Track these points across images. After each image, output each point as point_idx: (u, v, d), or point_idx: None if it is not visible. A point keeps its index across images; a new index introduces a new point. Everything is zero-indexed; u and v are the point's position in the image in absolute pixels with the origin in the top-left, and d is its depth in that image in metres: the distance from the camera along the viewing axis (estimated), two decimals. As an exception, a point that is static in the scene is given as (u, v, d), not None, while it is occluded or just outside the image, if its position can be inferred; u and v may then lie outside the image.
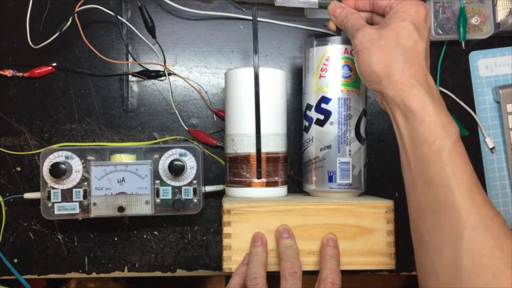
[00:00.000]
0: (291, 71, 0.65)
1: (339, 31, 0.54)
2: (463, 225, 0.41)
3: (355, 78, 0.55)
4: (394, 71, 0.45)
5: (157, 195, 0.57)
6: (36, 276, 0.62)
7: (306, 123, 0.57)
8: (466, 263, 0.40)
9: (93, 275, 0.62)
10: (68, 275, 0.62)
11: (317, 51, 0.56)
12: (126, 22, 0.62)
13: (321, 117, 0.55)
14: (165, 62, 0.63)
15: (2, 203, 0.61)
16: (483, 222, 0.40)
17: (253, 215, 0.51)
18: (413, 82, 0.44)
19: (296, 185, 0.64)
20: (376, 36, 0.46)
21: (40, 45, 0.60)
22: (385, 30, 0.46)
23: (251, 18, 0.61)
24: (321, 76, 0.55)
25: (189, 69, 0.64)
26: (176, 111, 0.63)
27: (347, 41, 0.54)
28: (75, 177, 0.57)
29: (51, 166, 0.55)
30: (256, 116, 0.54)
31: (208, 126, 0.64)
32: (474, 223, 0.40)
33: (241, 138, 0.55)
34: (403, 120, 0.45)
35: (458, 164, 0.42)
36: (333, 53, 0.55)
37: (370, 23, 0.53)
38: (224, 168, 0.59)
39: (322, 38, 0.56)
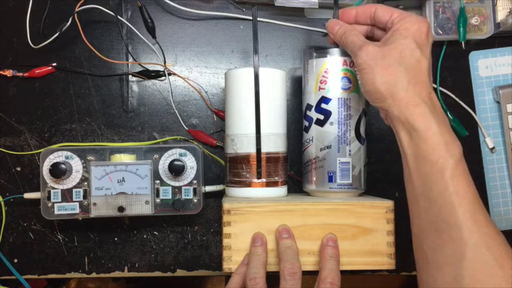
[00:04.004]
0: (291, 71, 0.65)
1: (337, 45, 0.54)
2: (465, 244, 0.41)
3: (354, 90, 0.55)
4: (399, 89, 0.45)
5: (157, 195, 0.57)
6: (36, 276, 0.62)
7: (306, 123, 0.57)
8: (468, 281, 0.40)
9: (93, 275, 0.62)
10: (68, 275, 0.62)
11: (316, 63, 0.56)
12: (126, 22, 0.62)
13: (321, 117, 0.55)
14: (165, 62, 0.63)
15: (2, 203, 0.61)
16: (485, 242, 0.41)
17: (253, 215, 0.51)
18: (417, 101, 0.45)
19: (296, 185, 0.64)
20: (379, 54, 0.46)
21: (40, 45, 0.60)
22: (387, 49, 0.46)
23: (251, 18, 0.61)
24: (320, 88, 0.55)
25: (189, 69, 0.64)
26: (176, 111, 0.63)
27: (346, 53, 0.54)
28: (75, 177, 0.57)
29: (51, 166, 0.55)
30: (256, 116, 0.54)
31: (208, 126, 0.64)
32: (476, 242, 0.41)
33: (241, 138, 0.55)
34: (407, 138, 0.45)
35: (461, 183, 0.43)
36: (332, 65, 0.55)
37: (370, 36, 0.53)
38: (224, 168, 0.59)
39: (321, 49, 0.56)
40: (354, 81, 0.54)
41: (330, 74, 0.55)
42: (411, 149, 0.45)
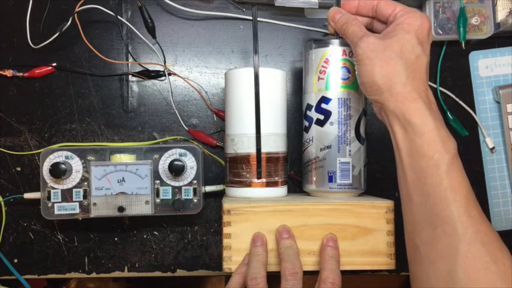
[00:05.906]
0: (291, 71, 0.65)
1: (338, 34, 0.54)
2: (459, 239, 0.41)
3: (353, 80, 0.55)
4: (397, 84, 0.45)
5: (157, 195, 0.57)
6: (36, 276, 0.62)
7: (306, 123, 0.57)
8: (462, 276, 0.40)
9: (93, 275, 0.62)
10: (68, 275, 0.62)
11: (316, 53, 0.56)
12: (126, 22, 0.62)
13: (321, 117, 0.55)
14: (165, 62, 0.63)
15: (2, 203, 0.61)
16: (479, 237, 0.41)
17: (253, 215, 0.51)
18: (414, 96, 0.45)
19: (296, 185, 0.64)
20: (380, 46, 0.46)
21: (40, 45, 0.60)
22: (389, 42, 0.46)
23: (251, 18, 0.61)
24: (319, 78, 0.55)
25: (189, 69, 0.64)
26: (176, 111, 0.63)
27: (345, 43, 0.54)
28: (75, 177, 0.57)
29: (51, 166, 0.55)
30: (256, 116, 0.54)
31: (208, 126, 0.64)
32: (470, 237, 0.41)
33: (241, 138, 0.55)
34: (402, 132, 0.45)
35: (456, 178, 0.43)
36: (332, 54, 0.55)
37: (370, 28, 0.53)
38: (224, 168, 0.59)
39: (320, 40, 0.56)
40: (353, 72, 0.54)
41: (329, 64, 0.55)
42: (406, 144, 0.45)
